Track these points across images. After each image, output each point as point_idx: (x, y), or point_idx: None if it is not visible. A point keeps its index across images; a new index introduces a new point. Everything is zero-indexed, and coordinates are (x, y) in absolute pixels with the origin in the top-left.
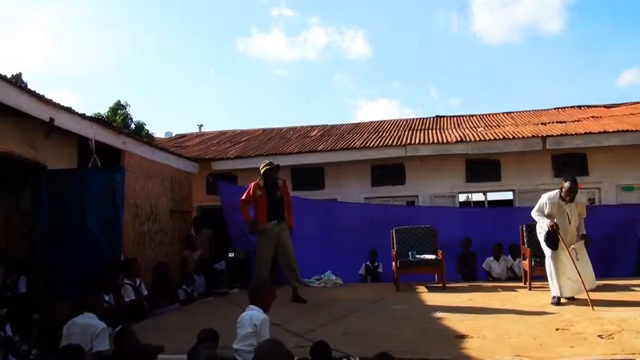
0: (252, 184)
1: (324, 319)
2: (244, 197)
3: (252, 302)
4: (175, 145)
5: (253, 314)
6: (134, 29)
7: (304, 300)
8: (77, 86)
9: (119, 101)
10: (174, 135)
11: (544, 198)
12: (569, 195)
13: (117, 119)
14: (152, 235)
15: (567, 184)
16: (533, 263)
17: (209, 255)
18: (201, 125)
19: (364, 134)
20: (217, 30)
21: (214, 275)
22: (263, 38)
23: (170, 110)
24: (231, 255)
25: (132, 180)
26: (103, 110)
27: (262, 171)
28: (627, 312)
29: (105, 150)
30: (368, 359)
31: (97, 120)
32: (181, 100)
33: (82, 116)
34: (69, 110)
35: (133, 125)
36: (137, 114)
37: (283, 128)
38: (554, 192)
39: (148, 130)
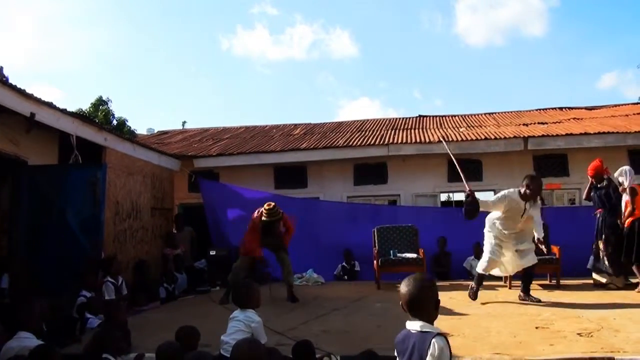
0: (255, 219)
1: (305, 317)
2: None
3: (242, 307)
4: (157, 142)
5: (248, 314)
6: (117, 25)
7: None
8: (58, 81)
9: (100, 97)
10: (156, 131)
11: (505, 192)
12: (532, 194)
13: (99, 114)
14: (133, 233)
15: (532, 181)
16: None
17: (190, 253)
18: (184, 122)
19: (347, 132)
20: (201, 28)
21: (195, 274)
22: (248, 36)
23: (153, 107)
24: (212, 253)
25: (113, 177)
26: (85, 105)
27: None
28: (607, 311)
29: (87, 146)
30: (353, 357)
31: (78, 116)
32: (164, 97)
33: (64, 112)
34: (50, 105)
35: (115, 122)
36: (119, 110)
37: (266, 126)
38: (514, 189)
39: (130, 127)
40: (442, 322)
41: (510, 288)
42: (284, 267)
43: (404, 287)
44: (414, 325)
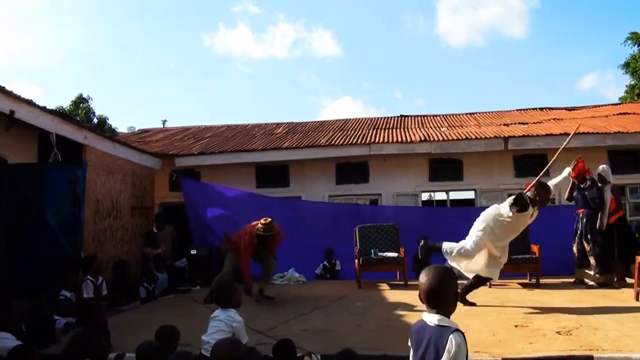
0: (248, 236)
1: (286, 316)
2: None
3: (223, 306)
4: (138, 140)
5: (229, 314)
6: (98, 22)
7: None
8: (39, 79)
9: (81, 95)
10: (137, 130)
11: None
12: (541, 203)
13: (80, 112)
14: (113, 232)
15: (542, 190)
16: None
17: (171, 253)
18: (165, 121)
19: (329, 132)
20: (183, 25)
21: (175, 273)
22: (230, 34)
23: (134, 105)
24: (193, 252)
25: (93, 176)
26: (65, 103)
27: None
28: (586, 309)
29: (66, 144)
30: (332, 355)
31: (58, 113)
32: (145, 95)
33: (43, 109)
34: (30, 103)
35: (96, 120)
36: (100, 108)
37: (248, 125)
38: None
39: (111, 125)
40: None
41: (490, 287)
42: (267, 268)
43: (423, 278)
44: (431, 318)
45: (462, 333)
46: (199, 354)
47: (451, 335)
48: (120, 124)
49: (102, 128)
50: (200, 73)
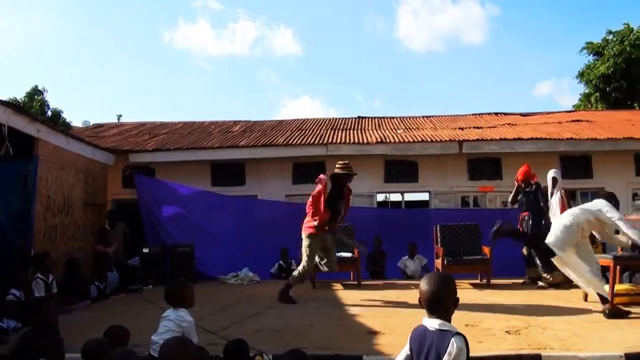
0: (322, 185)
1: (238, 316)
2: (317, 194)
3: (175, 306)
4: (92, 135)
5: (180, 314)
6: (55, 13)
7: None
8: None
9: (36, 86)
10: (91, 124)
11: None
12: None
13: (35, 105)
14: (64, 229)
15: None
16: (445, 262)
17: (123, 251)
18: (120, 116)
19: (287, 131)
20: (142, 19)
21: (127, 271)
22: (189, 29)
23: (90, 99)
24: (146, 250)
25: (45, 170)
26: (19, 95)
27: (334, 172)
28: (535, 309)
29: (18, 137)
30: (280, 355)
31: (11, 105)
32: (101, 88)
33: None
34: None
35: (50, 113)
36: (54, 100)
37: (205, 122)
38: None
39: (65, 119)
40: (375, 320)
41: None
42: (330, 261)
43: (424, 285)
44: (432, 323)
45: (464, 336)
46: (147, 354)
47: (453, 339)
48: (75, 118)
49: (57, 122)
50: (158, 68)
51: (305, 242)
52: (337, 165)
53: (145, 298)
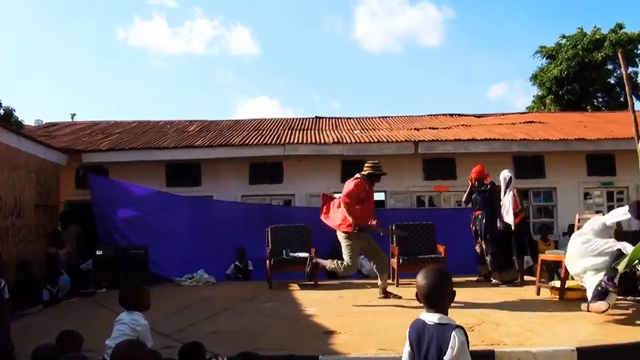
0: (359, 181)
1: (194, 318)
2: (354, 193)
3: (129, 309)
4: (45, 134)
5: (134, 317)
6: (7, 10)
7: (398, 295)
8: None
9: None
10: (44, 123)
11: None
12: None
13: None
14: (15, 231)
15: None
16: (401, 261)
17: (76, 253)
18: (74, 114)
19: (244, 131)
20: (97, 16)
21: (80, 275)
22: (145, 27)
23: (43, 97)
24: (99, 253)
25: None
26: None
27: (369, 172)
28: (488, 306)
29: None
30: (232, 357)
31: None
32: (55, 86)
33: None
34: None
35: (2, 111)
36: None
37: (160, 121)
38: None
39: (17, 117)
40: (331, 320)
41: (397, 286)
42: (380, 264)
43: (421, 280)
44: (431, 317)
45: (464, 329)
46: (101, 358)
47: (454, 332)
48: (28, 117)
49: (8, 120)
50: (113, 66)
51: (345, 242)
52: (368, 165)
53: (98, 302)
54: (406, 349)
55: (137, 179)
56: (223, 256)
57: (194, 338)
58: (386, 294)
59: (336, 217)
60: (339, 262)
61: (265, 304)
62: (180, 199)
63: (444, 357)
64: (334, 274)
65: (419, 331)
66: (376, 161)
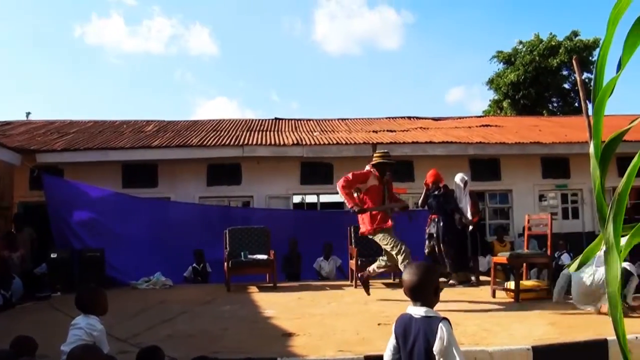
0: (366, 170)
1: (150, 321)
2: (351, 178)
3: (86, 312)
4: None
5: (90, 321)
6: None
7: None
8: None
9: None
10: None
11: None
12: None
13: None
14: None
15: None
16: (359, 262)
17: (30, 256)
18: (29, 113)
19: (202, 132)
20: (52, 11)
21: (34, 278)
22: (102, 24)
23: None
24: (53, 255)
25: None
26: None
27: (376, 162)
28: (445, 306)
29: None
30: None
31: None
32: (9, 84)
33: None
34: None
35: None
36: None
37: (116, 121)
38: None
39: None
40: (290, 322)
41: (355, 287)
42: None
43: (407, 275)
44: (417, 311)
45: (449, 321)
46: None
47: (441, 324)
48: None
49: None
50: (69, 63)
51: (381, 238)
52: (377, 154)
53: (53, 306)
54: (390, 342)
55: (93, 180)
56: (181, 258)
57: (151, 342)
58: (366, 281)
59: (364, 221)
60: (381, 258)
61: (224, 307)
62: (137, 200)
63: (434, 348)
64: (293, 276)
65: (405, 324)
66: (385, 150)
